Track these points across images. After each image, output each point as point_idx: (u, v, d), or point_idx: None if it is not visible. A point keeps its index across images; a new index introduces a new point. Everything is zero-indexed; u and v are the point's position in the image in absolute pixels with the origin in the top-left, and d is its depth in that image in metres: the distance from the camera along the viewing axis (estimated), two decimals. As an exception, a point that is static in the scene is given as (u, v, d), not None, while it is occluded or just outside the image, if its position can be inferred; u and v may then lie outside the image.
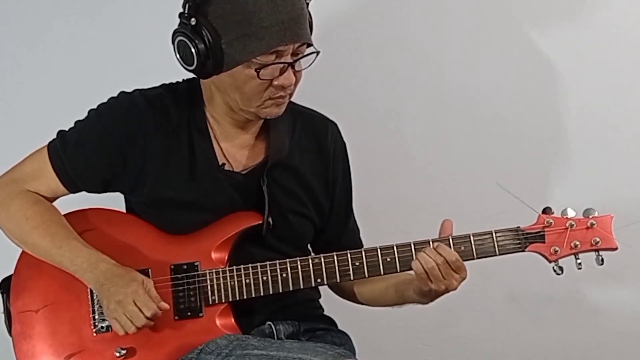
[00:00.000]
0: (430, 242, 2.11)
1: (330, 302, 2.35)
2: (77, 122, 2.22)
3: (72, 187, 2.21)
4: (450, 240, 2.11)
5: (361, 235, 2.39)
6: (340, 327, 2.34)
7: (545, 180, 2.85)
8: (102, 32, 2.90)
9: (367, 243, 2.36)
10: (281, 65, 2.04)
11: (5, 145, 2.65)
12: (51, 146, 2.21)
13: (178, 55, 2.07)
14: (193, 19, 2.01)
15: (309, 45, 2.07)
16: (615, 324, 2.86)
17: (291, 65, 2.05)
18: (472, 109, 2.85)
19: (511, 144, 2.85)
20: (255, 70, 2.03)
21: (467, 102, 2.85)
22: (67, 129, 2.22)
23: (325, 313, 2.34)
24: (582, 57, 2.80)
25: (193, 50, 2.02)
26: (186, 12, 2.02)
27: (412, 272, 2.11)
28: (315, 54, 2.07)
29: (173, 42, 2.07)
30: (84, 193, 2.23)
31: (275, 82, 2.06)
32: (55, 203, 2.24)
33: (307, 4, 2.08)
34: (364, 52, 2.85)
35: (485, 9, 2.83)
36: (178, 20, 2.08)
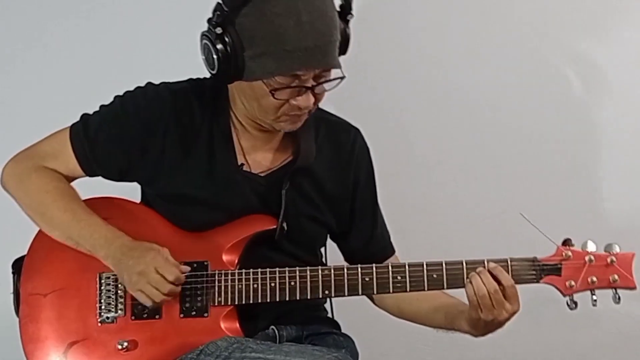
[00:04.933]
0: (444, 264, 2.09)
1: (332, 305, 2.34)
2: (101, 107, 2.22)
3: (90, 170, 2.21)
4: (486, 263, 2.07)
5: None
6: (343, 329, 2.34)
7: (545, 180, 2.86)
8: (102, 32, 2.90)
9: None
10: (298, 88, 2.04)
11: (5, 145, 2.63)
12: (73, 128, 2.21)
13: (203, 57, 2.08)
14: (219, 28, 2.00)
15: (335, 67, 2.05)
16: (616, 324, 2.88)
17: (310, 89, 2.04)
18: (473, 110, 2.86)
19: (512, 145, 2.86)
20: (270, 91, 2.02)
21: (467, 102, 2.85)
22: (91, 112, 2.22)
23: (328, 316, 2.33)
24: (590, 59, 2.81)
25: (215, 56, 2.02)
26: (214, 19, 2.01)
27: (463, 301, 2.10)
28: (339, 79, 2.05)
29: (200, 43, 2.07)
30: (101, 182, 2.23)
31: (293, 102, 2.05)
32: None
33: (348, 22, 2.06)
34: (366, 52, 2.83)
35: (498, 10, 2.83)
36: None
